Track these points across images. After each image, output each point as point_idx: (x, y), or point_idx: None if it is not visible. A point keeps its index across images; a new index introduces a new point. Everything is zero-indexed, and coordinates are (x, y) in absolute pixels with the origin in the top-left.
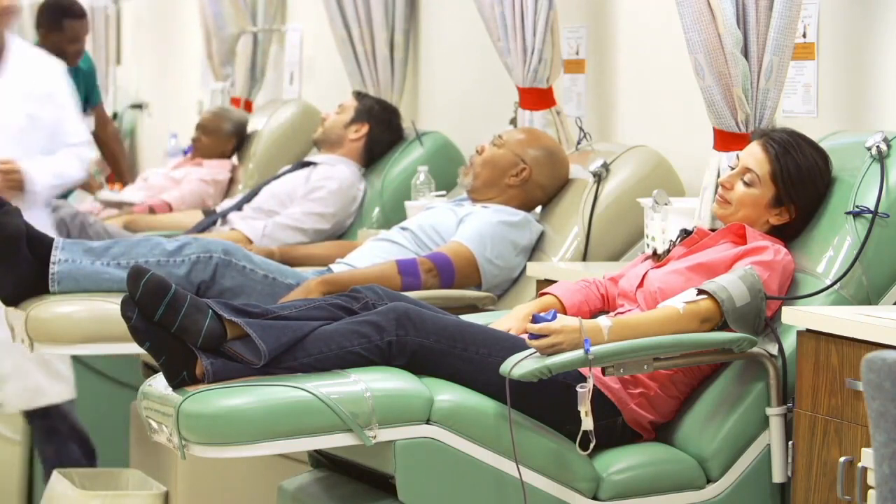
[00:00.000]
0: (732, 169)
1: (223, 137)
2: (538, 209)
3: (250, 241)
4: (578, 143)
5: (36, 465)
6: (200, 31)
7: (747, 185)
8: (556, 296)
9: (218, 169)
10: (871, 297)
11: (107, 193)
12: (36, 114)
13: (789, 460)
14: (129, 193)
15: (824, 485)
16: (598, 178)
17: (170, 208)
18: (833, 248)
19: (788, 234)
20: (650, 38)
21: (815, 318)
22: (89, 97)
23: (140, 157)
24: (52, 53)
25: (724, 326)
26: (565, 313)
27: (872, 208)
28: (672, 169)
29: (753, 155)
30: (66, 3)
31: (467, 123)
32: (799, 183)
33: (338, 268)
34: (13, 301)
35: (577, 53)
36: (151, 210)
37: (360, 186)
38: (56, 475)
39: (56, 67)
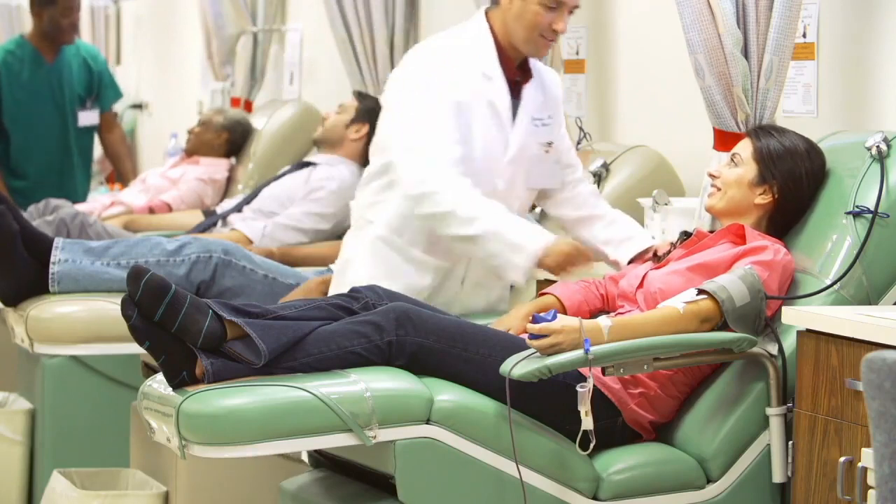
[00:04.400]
0: None
1: (213, 130)
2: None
3: (251, 242)
4: (578, 143)
5: (36, 465)
6: (200, 31)
7: (734, 166)
8: (556, 296)
9: (215, 168)
10: (871, 297)
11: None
12: None
13: (789, 460)
14: (129, 195)
15: (824, 485)
16: (598, 178)
17: (169, 209)
18: (833, 248)
19: (778, 222)
20: (650, 38)
21: (815, 318)
22: (99, 96)
23: (140, 158)
24: (49, 31)
25: (724, 326)
26: (565, 313)
27: (872, 208)
28: (672, 169)
29: (741, 143)
30: None
31: None
32: (778, 158)
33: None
34: (13, 301)
35: (577, 53)
36: (151, 210)
37: None
38: (56, 475)
39: None
